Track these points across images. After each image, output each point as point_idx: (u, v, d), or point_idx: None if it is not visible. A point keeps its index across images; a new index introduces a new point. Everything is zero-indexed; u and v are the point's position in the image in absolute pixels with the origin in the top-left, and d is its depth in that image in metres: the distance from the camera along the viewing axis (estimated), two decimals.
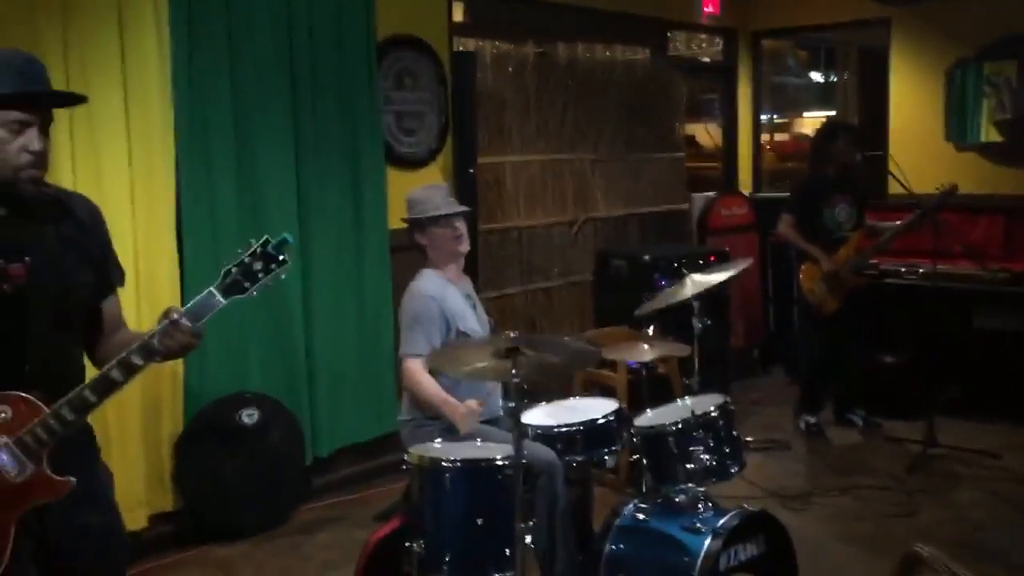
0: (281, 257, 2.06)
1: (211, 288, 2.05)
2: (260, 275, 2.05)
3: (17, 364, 2.02)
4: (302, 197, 4.56)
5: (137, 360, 2.03)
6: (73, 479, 2.05)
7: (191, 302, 2.07)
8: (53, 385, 2.05)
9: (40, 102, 2.06)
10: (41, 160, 2.04)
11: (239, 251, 2.07)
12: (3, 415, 1.99)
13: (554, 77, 5.90)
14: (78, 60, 3.77)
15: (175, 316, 2.03)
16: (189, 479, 4.22)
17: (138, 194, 4.00)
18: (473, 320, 3.56)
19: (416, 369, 3.37)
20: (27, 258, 2.04)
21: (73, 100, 2.22)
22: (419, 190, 3.68)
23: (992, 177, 6.31)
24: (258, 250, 2.06)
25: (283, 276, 2.09)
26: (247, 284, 2.05)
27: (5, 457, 2.00)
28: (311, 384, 4.67)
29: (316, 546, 4.22)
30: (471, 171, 5.26)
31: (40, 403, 2.02)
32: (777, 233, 5.68)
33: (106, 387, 2.03)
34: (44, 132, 2.06)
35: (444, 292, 3.50)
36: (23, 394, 2.01)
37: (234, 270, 2.05)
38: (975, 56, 6.43)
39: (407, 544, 2.91)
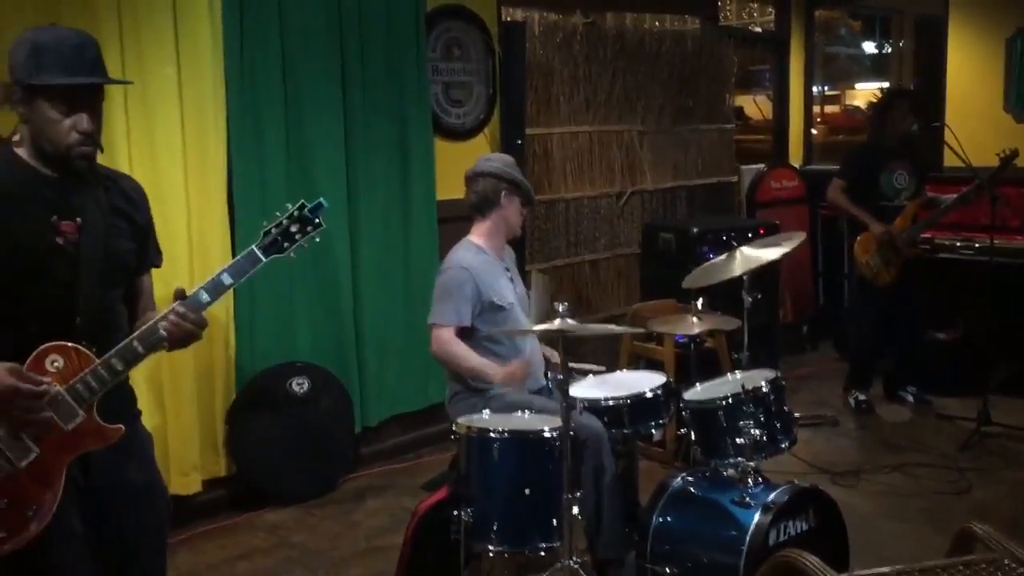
0: (317, 220, 2.22)
1: (252, 247, 2.19)
2: (297, 237, 2.21)
3: (68, 316, 2.11)
4: (351, 168, 4.58)
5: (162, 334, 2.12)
6: (122, 427, 2.15)
7: (233, 260, 2.19)
8: (100, 338, 2.14)
9: (87, 89, 2.10)
10: (91, 139, 2.11)
11: (277, 213, 2.21)
12: (56, 364, 2.07)
13: (603, 47, 5.84)
14: (133, 32, 3.80)
15: (179, 306, 2.12)
16: (241, 446, 4.30)
17: (191, 164, 4.04)
18: (510, 292, 3.54)
19: (446, 338, 3.39)
20: (78, 218, 2.13)
21: (117, 83, 2.31)
22: (509, 157, 3.71)
23: None
24: (295, 213, 2.21)
25: (318, 239, 2.23)
26: (285, 244, 2.21)
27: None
28: (360, 354, 4.71)
29: (365, 513, 4.28)
30: (519, 142, 5.24)
31: (90, 353, 2.10)
32: (827, 199, 5.59)
33: (153, 340, 2.12)
34: (95, 111, 2.12)
35: (479, 263, 3.49)
36: (74, 344, 2.09)
37: (273, 230, 2.21)
38: None
39: (455, 512, 2.94)
